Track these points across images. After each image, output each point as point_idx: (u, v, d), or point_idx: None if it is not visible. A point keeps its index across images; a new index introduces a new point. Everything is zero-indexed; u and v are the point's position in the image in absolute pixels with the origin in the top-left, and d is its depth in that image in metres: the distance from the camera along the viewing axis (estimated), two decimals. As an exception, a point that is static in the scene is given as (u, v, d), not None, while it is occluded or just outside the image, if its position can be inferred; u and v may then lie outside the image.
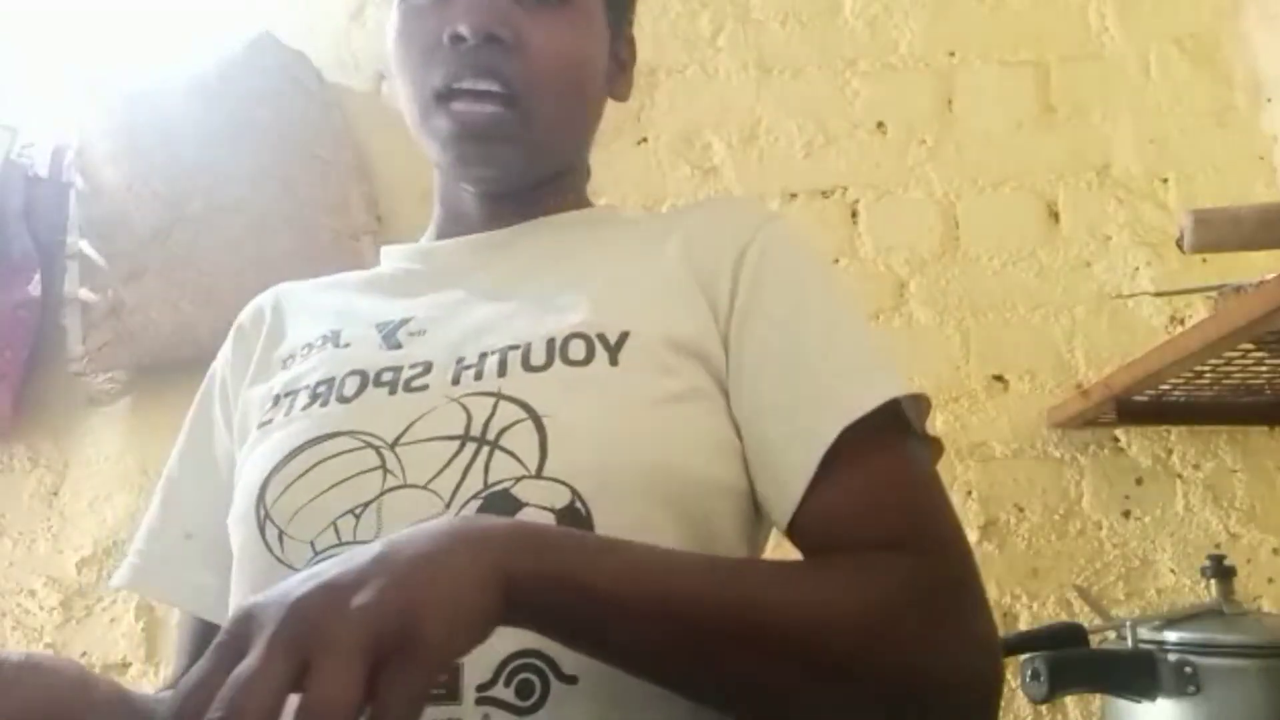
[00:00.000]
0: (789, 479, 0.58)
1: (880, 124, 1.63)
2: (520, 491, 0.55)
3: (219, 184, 1.54)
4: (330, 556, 0.52)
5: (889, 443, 0.59)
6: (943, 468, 1.60)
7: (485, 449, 0.57)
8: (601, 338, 0.61)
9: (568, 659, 0.53)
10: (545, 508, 0.55)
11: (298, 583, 0.41)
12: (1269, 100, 1.58)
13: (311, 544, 0.57)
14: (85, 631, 1.48)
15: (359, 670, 0.37)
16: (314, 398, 0.63)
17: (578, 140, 0.75)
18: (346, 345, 0.67)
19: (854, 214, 1.59)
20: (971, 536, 1.43)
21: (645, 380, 0.59)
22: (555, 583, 0.46)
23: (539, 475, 0.55)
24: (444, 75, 0.65)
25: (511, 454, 0.56)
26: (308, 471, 0.59)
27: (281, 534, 0.58)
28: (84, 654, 1.45)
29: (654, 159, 1.64)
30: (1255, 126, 1.58)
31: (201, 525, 0.70)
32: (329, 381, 0.64)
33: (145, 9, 1.71)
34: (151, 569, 0.72)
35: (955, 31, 1.66)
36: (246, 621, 0.40)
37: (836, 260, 1.57)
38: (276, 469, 0.60)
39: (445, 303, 0.68)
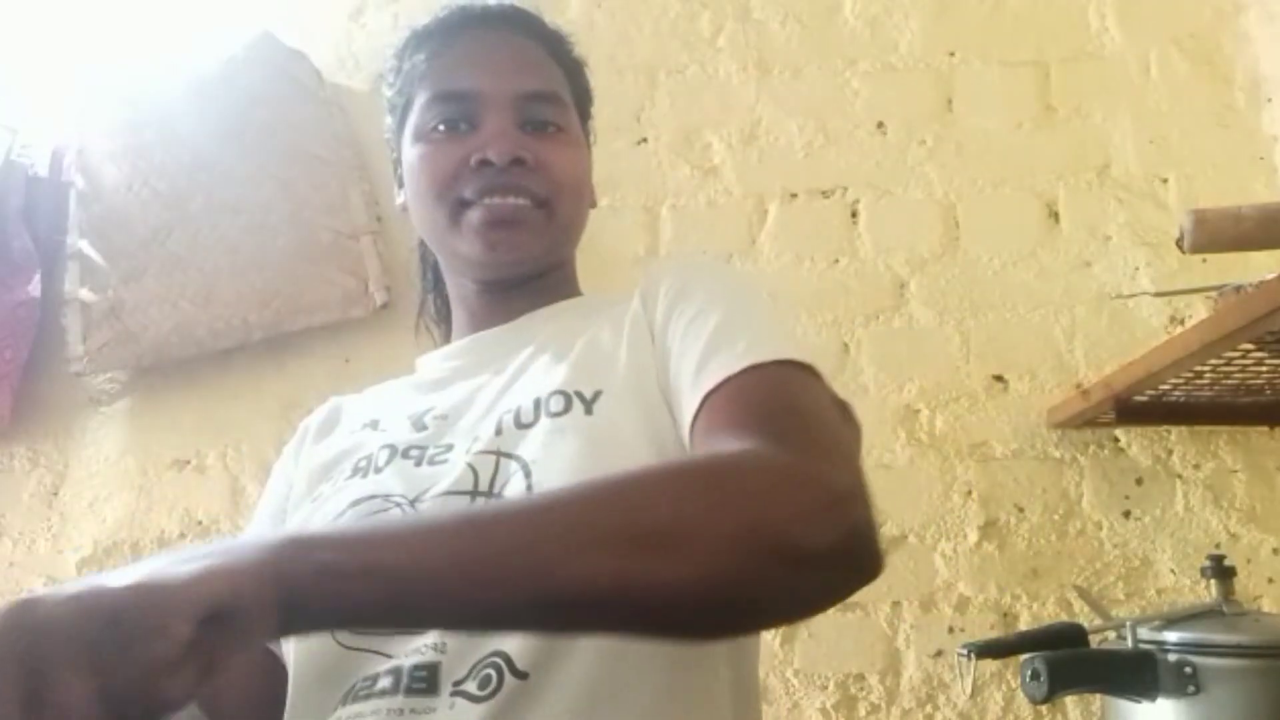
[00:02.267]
0: (687, 420, 0.65)
1: (880, 124, 1.63)
2: None
3: (219, 184, 1.54)
4: None
5: (750, 382, 0.63)
6: (943, 468, 1.60)
7: (491, 501, 0.66)
8: (579, 394, 0.70)
9: (522, 657, 0.60)
10: None
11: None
12: (1269, 100, 1.58)
13: None
14: (85, 631, 1.48)
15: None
16: (355, 470, 0.75)
17: (577, 238, 0.87)
18: (383, 430, 0.80)
19: (854, 214, 1.59)
20: (971, 537, 1.43)
21: (617, 422, 0.68)
22: (340, 569, 0.46)
23: None
24: (474, 189, 0.77)
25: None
26: None
27: None
28: (84, 654, 1.45)
29: (654, 159, 1.63)
30: (1255, 126, 1.58)
31: None
32: (368, 457, 0.76)
33: (145, 9, 1.71)
34: None
35: (955, 31, 1.66)
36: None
37: (836, 260, 1.57)
38: None
39: (464, 392, 0.79)
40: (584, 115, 0.88)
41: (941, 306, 1.54)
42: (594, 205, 0.90)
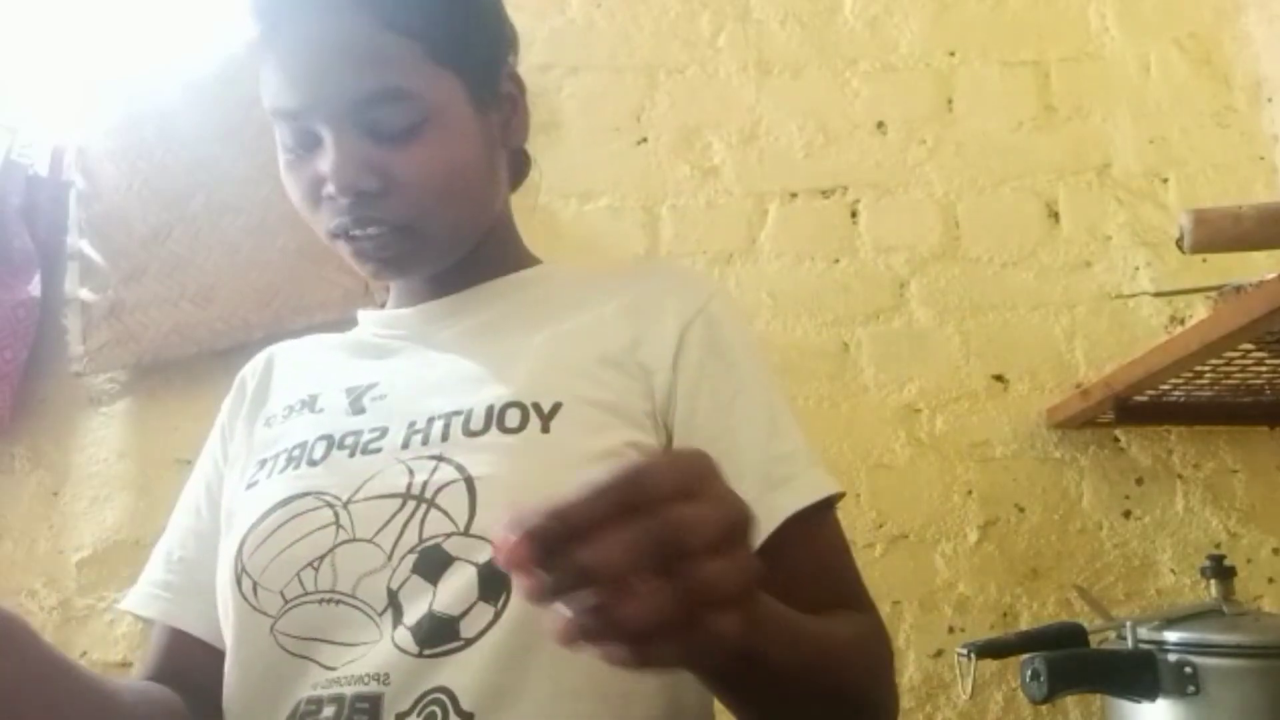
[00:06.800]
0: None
1: (880, 124, 1.63)
2: (450, 546, 0.62)
3: (219, 184, 1.54)
4: (298, 605, 0.64)
5: (823, 521, 0.70)
6: (943, 468, 1.60)
7: (422, 506, 0.64)
8: (536, 406, 0.67)
9: (467, 696, 0.59)
10: (470, 562, 0.61)
11: None
12: (1269, 100, 1.58)
13: (281, 593, 0.65)
14: (85, 631, 1.48)
15: None
16: (289, 461, 0.72)
17: (481, 218, 0.79)
18: (320, 411, 0.76)
19: (854, 214, 1.59)
20: (971, 536, 1.44)
21: (575, 444, 0.65)
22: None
23: (467, 533, 0.62)
24: (334, 222, 0.73)
25: (444, 512, 0.63)
26: (277, 530, 0.67)
27: (256, 585, 0.67)
28: (84, 654, 1.45)
29: (654, 159, 1.63)
30: (1255, 126, 1.58)
31: (190, 547, 0.81)
32: (302, 445, 0.73)
33: (145, 9, 1.71)
34: (175, 600, 0.79)
35: (955, 31, 1.66)
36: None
37: (836, 260, 1.57)
38: (253, 527, 0.69)
39: (404, 368, 0.76)
40: (470, 65, 0.74)
41: (941, 306, 1.54)
42: (519, 144, 0.82)
